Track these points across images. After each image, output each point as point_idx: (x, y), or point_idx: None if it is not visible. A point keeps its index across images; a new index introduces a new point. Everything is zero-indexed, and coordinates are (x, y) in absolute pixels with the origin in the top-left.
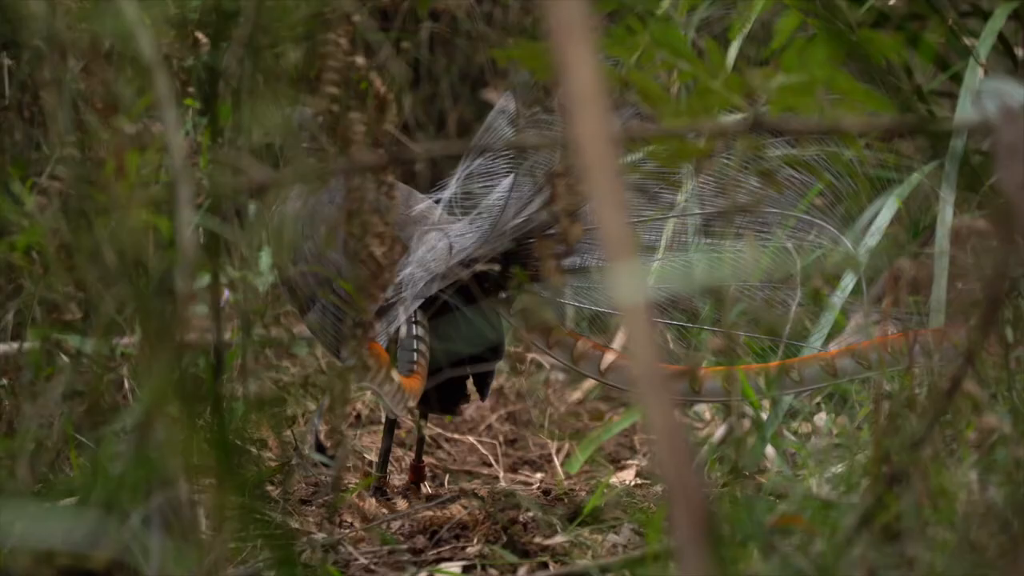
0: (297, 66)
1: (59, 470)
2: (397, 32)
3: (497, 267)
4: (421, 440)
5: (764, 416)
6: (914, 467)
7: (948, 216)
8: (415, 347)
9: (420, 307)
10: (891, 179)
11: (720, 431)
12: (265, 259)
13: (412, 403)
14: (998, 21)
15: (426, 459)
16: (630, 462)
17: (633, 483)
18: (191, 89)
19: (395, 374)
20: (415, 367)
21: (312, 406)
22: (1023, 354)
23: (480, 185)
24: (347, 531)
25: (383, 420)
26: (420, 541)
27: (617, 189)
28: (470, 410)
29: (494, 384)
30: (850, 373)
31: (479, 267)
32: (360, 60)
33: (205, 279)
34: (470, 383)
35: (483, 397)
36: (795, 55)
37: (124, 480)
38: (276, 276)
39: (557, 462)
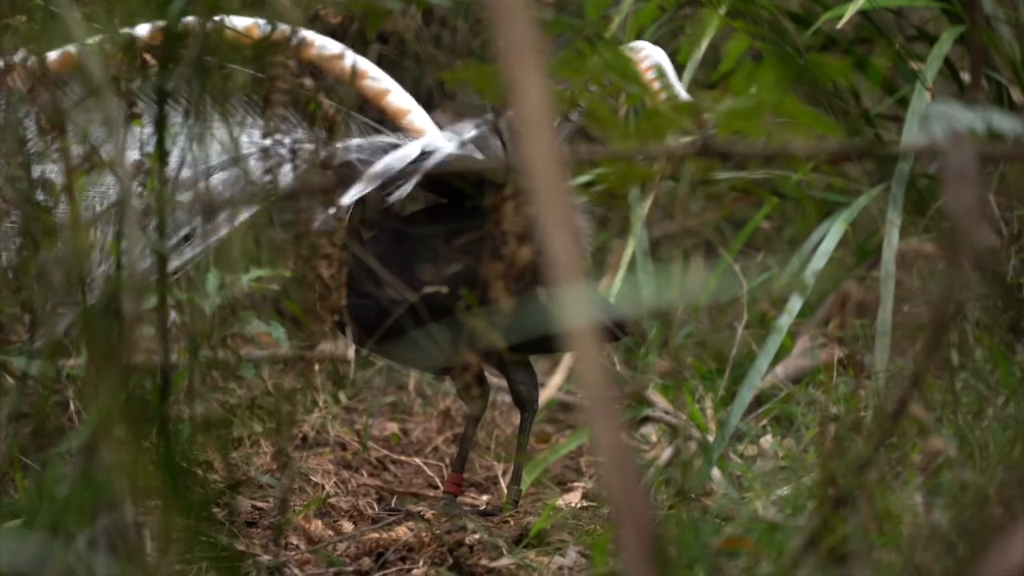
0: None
1: (4, 492)
2: None
3: (445, 289)
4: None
5: (710, 439)
6: (860, 490)
7: (895, 239)
8: None
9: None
10: (838, 202)
11: (666, 453)
12: (212, 280)
13: None
14: (944, 46)
15: (372, 481)
16: (576, 484)
17: (579, 505)
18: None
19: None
20: None
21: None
22: (968, 377)
23: None
24: (293, 553)
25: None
26: (366, 563)
27: (566, 211)
28: (416, 432)
29: (440, 406)
30: None
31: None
32: (308, 82)
33: (152, 301)
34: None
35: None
36: (743, 78)
37: (70, 502)
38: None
39: (503, 484)
